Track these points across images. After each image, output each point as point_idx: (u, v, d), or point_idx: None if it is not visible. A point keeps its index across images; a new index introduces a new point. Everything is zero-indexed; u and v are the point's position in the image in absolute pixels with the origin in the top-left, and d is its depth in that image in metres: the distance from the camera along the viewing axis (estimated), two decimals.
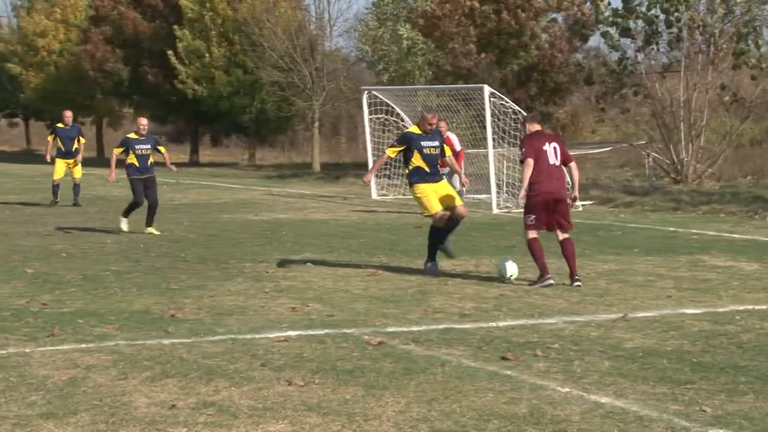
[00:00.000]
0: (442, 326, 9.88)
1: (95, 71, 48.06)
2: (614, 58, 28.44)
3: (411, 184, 13.51)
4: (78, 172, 24.35)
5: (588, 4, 29.14)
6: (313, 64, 41.87)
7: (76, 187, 24.30)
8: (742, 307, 10.72)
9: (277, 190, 30.97)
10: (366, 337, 9.34)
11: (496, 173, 24.46)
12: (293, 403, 7.22)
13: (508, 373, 8.01)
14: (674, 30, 27.38)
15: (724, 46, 27.25)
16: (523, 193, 12.60)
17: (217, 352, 8.80)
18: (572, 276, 12.35)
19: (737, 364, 8.21)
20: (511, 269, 12.81)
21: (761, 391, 7.37)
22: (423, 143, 13.33)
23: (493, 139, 24.29)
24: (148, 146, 18.42)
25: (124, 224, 18.38)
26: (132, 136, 18.49)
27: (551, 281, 12.34)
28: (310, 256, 15.11)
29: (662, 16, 27.43)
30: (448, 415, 6.89)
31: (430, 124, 13.50)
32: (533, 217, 12.67)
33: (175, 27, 44.63)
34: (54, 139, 24.71)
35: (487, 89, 24.40)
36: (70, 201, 24.08)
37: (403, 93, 30.33)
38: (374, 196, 27.54)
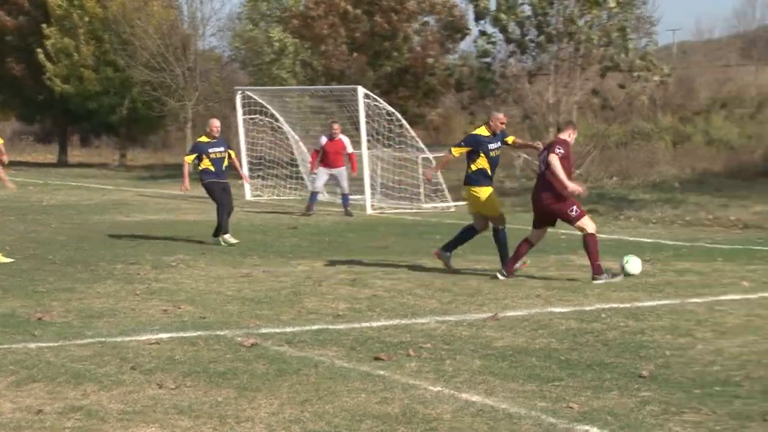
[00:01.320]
0: (315, 327, 9.89)
1: None
2: (483, 62, 28.76)
3: (471, 185, 13.47)
4: None
5: (463, 4, 29.51)
6: (186, 64, 41.44)
7: None
8: (607, 306, 10.98)
9: (149, 191, 30.57)
10: (239, 338, 9.29)
11: (370, 174, 24.57)
12: (164, 406, 7.14)
13: (381, 373, 8.06)
14: (544, 34, 27.84)
15: (593, 51, 27.84)
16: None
17: (86, 355, 8.65)
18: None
19: (603, 362, 8.40)
20: (635, 267, 12.93)
21: (626, 388, 7.56)
22: (490, 146, 13.42)
23: (368, 141, 24.40)
24: (222, 149, 17.35)
25: (230, 237, 17.06)
26: (203, 139, 17.42)
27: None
28: (182, 257, 14.95)
29: (533, 20, 27.88)
30: (321, 416, 6.91)
31: (502, 123, 13.56)
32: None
33: (44, 25, 43.69)
34: None
35: (361, 90, 24.49)
36: None
37: (277, 93, 30.24)
38: (248, 197, 27.40)
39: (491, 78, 28.23)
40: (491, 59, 28.42)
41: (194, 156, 17.30)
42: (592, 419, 6.77)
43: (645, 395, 7.35)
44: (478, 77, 28.30)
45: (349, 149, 22.80)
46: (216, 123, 17.63)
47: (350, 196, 23.16)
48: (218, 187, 17.26)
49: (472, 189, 13.50)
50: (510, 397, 7.36)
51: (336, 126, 22.85)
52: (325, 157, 22.66)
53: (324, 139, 22.72)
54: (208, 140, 17.30)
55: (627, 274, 12.86)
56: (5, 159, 18.54)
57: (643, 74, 27.30)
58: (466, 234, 13.81)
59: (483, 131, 13.56)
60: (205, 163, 17.22)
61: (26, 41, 44.83)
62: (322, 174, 22.74)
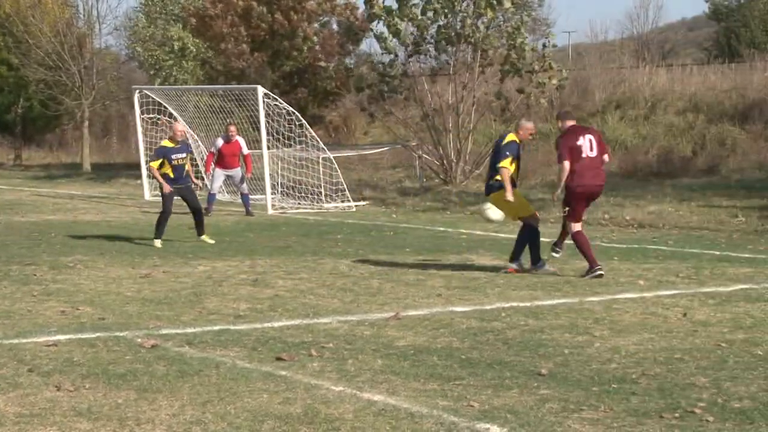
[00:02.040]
0: (216, 328, 9.84)
1: None
2: (385, 60, 28.85)
3: (501, 189, 13.32)
4: None
5: (363, 7, 29.53)
6: (82, 63, 40.84)
7: None
8: (507, 305, 11.11)
9: (45, 191, 30.05)
10: (139, 340, 9.20)
11: (271, 174, 24.50)
12: (62, 408, 7.04)
13: (283, 373, 8.05)
14: (441, 35, 28.03)
15: (491, 53, 28.11)
16: (557, 193, 13.39)
17: None
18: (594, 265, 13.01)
19: (503, 360, 8.51)
20: (495, 214, 13.49)
21: (525, 386, 7.66)
22: (520, 152, 13.50)
23: (268, 140, 24.32)
24: (184, 154, 16.94)
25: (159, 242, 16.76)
26: (167, 144, 16.99)
27: (601, 271, 12.93)
28: (80, 258, 14.74)
29: (426, 22, 28.04)
30: (223, 416, 6.87)
31: (531, 134, 13.70)
32: (568, 209, 13.18)
33: None
34: None
35: (260, 90, 24.40)
36: None
37: (176, 92, 29.96)
38: (147, 197, 27.10)
39: (390, 79, 28.31)
40: (391, 60, 28.49)
41: (159, 161, 16.80)
42: (493, 417, 6.85)
43: (544, 393, 7.45)
44: (381, 74, 28.33)
45: (245, 150, 22.85)
46: (179, 127, 17.37)
47: (251, 196, 23.16)
48: (172, 195, 16.85)
49: (503, 194, 13.34)
50: (412, 396, 7.40)
51: (232, 128, 22.89)
52: (221, 159, 22.74)
53: (220, 141, 22.78)
54: (173, 145, 16.88)
55: (489, 220, 13.70)
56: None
57: (541, 78, 27.63)
58: (533, 237, 13.61)
59: (515, 138, 13.49)
60: (166, 169, 16.79)
61: None
62: (219, 175, 22.82)
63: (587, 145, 13.12)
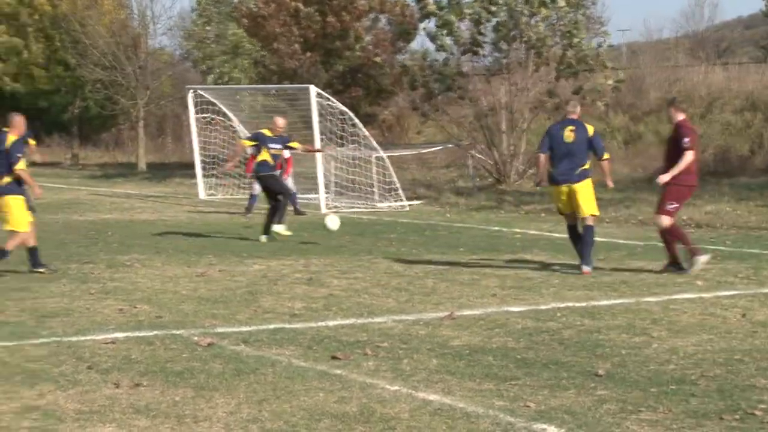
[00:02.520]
0: (272, 326, 9.87)
1: None
2: (439, 59, 28.79)
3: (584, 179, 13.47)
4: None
5: (413, 3, 29.50)
6: (137, 63, 41.19)
7: None
8: (563, 305, 11.04)
9: (102, 190, 30.35)
10: (195, 338, 9.26)
11: (324, 173, 24.54)
12: (121, 405, 7.10)
13: (338, 372, 8.06)
14: (500, 33, 27.92)
15: (545, 52, 27.97)
16: (667, 177, 13.33)
17: (42, 355, 8.58)
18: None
19: (559, 360, 8.45)
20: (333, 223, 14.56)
21: (582, 386, 7.61)
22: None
23: (321, 140, 24.36)
24: (280, 146, 17.55)
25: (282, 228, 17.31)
26: (266, 132, 17.55)
27: (706, 256, 13.15)
28: (137, 256, 14.87)
29: (491, 21, 27.94)
30: (279, 415, 6.90)
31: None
32: (677, 205, 13.38)
33: None
34: None
35: (313, 89, 24.46)
36: None
37: (229, 92, 30.13)
38: (202, 196, 27.28)
39: (446, 79, 28.24)
40: (446, 58, 28.42)
41: (253, 143, 17.42)
42: (550, 418, 6.81)
43: (602, 394, 7.40)
44: (440, 73, 28.22)
45: (286, 153, 22.72)
46: (281, 122, 17.75)
47: (305, 195, 22.95)
48: (273, 179, 17.43)
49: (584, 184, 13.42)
50: (467, 396, 7.38)
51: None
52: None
53: None
54: (271, 135, 17.41)
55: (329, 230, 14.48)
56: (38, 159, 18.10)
57: (598, 79, 27.43)
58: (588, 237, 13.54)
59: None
60: (264, 156, 17.29)
61: None
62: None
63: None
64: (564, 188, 13.43)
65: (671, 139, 13.70)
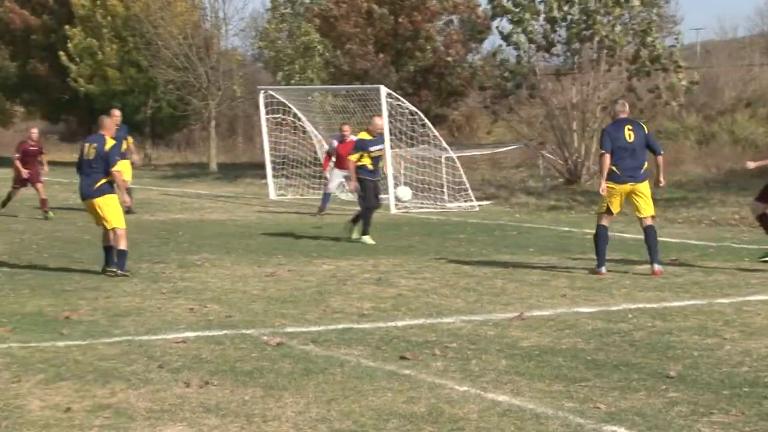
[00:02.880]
0: (340, 326, 9.90)
1: None
2: (511, 58, 28.64)
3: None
4: (128, 174, 21.79)
5: (484, 3, 29.40)
6: (209, 63, 41.55)
7: (127, 191, 22.65)
8: (634, 306, 10.93)
9: (173, 190, 30.66)
10: (265, 337, 9.31)
11: (393, 174, 24.55)
12: (191, 404, 7.16)
13: (407, 372, 8.06)
14: (573, 32, 27.71)
15: (618, 51, 27.71)
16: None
17: (113, 353, 8.69)
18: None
19: (630, 362, 8.37)
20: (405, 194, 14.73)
21: (653, 388, 7.53)
22: None
23: (391, 140, 24.37)
24: (381, 146, 17.30)
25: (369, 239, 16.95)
26: (365, 136, 17.15)
27: None
28: (207, 256, 14.99)
29: (558, 19, 27.74)
30: (348, 415, 6.91)
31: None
32: None
33: (67, 27, 43.87)
34: None
35: (383, 90, 24.48)
36: None
37: (300, 93, 30.27)
38: (272, 196, 27.45)
39: (517, 77, 28.09)
40: (518, 57, 28.26)
41: (359, 154, 17.04)
42: (620, 420, 6.75)
43: (673, 396, 7.31)
44: (512, 72, 28.06)
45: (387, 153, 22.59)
46: (379, 122, 17.58)
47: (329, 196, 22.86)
48: (371, 186, 17.10)
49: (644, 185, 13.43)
50: (537, 397, 7.34)
51: (346, 128, 22.81)
52: (338, 160, 22.47)
53: (335, 142, 22.60)
54: (370, 137, 17.12)
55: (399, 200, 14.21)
56: (137, 159, 18.16)
57: (673, 78, 27.11)
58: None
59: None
60: (365, 160, 17.00)
61: (50, 40, 45.02)
62: (337, 175, 22.59)
63: None
64: (627, 187, 13.33)
65: None
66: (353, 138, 22.58)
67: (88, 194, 13.41)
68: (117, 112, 22.34)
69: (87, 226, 19.52)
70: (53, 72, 45.22)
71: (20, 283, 12.47)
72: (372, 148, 17.02)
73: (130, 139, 22.59)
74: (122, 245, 13.24)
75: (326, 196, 22.73)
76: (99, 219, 13.50)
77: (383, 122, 17.29)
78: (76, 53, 43.75)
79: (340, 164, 22.47)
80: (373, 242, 16.80)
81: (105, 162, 13.26)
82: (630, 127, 13.40)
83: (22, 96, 49.54)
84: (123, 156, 21.78)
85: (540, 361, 8.41)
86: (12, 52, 46.69)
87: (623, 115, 13.52)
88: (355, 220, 17.35)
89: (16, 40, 46.40)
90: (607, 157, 13.27)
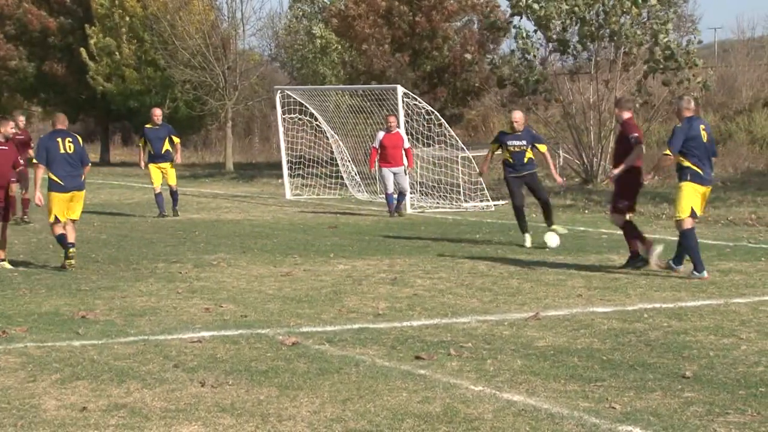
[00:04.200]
0: (356, 326, 9.90)
1: None
2: (527, 57, 28.55)
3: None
4: (173, 177, 21.69)
5: (505, 5, 29.32)
6: (226, 63, 41.62)
7: (173, 195, 21.73)
8: (649, 306, 10.91)
9: (189, 190, 30.70)
10: (280, 337, 9.33)
11: (410, 173, 24.54)
12: (206, 404, 7.18)
13: (422, 372, 8.06)
14: (585, 31, 27.64)
15: (634, 50, 27.64)
16: (617, 172, 13.68)
17: (129, 353, 8.71)
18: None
19: (645, 362, 8.35)
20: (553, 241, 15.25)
21: (669, 388, 7.51)
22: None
23: (407, 140, 24.35)
24: (524, 142, 16.36)
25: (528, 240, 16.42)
26: (507, 129, 16.63)
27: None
28: (223, 256, 15.02)
29: (574, 18, 27.68)
30: (363, 414, 6.92)
31: None
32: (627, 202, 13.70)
33: (86, 26, 44.01)
34: (144, 143, 21.77)
35: (400, 89, 24.47)
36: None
37: (317, 93, 30.30)
38: (288, 196, 27.48)
39: (536, 77, 28.01)
40: (534, 57, 28.20)
41: (498, 145, 16.52)
42: (635, 420, 6.73)
43: (689, 396, 7.29)
44: (529, 70, 27.96)
45: (407, 144, 22.37)
46: (517, 115, 16.58)
47: (393, 196, 22.43)
48: (516, 182, 16.49)
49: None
50: (552, 397, 7.33)
51: (392, 119, 22.04)
52: (383, 154, 21.74)
53: (381, 134, 21.81)
54: (511, 132, 16.46)
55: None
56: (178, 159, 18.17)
57: (687, 75, 27.01)
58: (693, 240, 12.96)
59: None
60: (505, 155, 16.44)
61: (68, 41, 45.17)
62: (387, 174, 21.91)
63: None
64: (707, 189, 12.95)
65: (618, 138, 14.16)
66: (399, 130, 22.38)
67: (79, 186, 14.24)
68: (158, 111, 22.19)
69: (102, 226, 19.61)
70: (71, 72, 45.36)
71: (37, 283, 12.51)
72: (510, 143, 16.33)
73: (177, 139, 22.04)
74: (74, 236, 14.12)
75: (389, 197, 22.12)
76: (72, 211, 14.27)
77: (520, 116, 16.71)
78: (95, 52, 43.89)
79: (385, 158, 21.85)
80: (564, 231, 16.75)
81: (81, 157, 14.28)
82: (703, 126, 12.82)
83: (40, 96, 49.68)
84: (166, 157, 21.68)
85: (555, 361, 8.40)
86: (29, 53, 46.84)
87: (690, 113, 12.85)
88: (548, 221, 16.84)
89: (34, 41, 46.55)
90: (671, 158, 12.71)
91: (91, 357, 8.55)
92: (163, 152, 21.60)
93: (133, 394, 7.44)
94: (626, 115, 13.94)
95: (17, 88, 48.80)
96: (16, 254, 15.32)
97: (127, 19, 43.84)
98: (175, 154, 21.93)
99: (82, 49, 43.64)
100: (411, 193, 24.33)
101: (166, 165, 21.64)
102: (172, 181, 21.73)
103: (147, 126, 22.08)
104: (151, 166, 21.60)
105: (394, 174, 21.88)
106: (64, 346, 9.00)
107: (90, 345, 9.01)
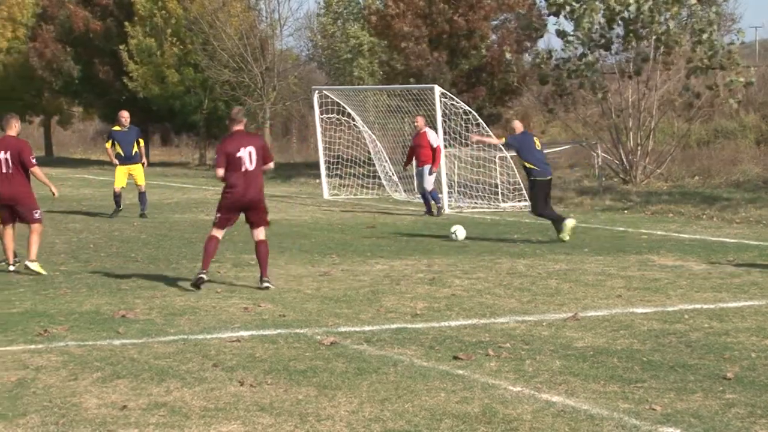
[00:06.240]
0: (394, 326, 9.90)
1: (44, 69, 47.57)
2: (566, 56, 28.40)
3: None
4: (141, 179, 21.83)
5: (543, 3, 29.17)
6: (264, 64, 41.76)
7: (141, 196, 21.99)
8: (690, 306, 10.83)
9: None
10: (318, 337, 9.34)
11: (447, 173, 24.52)
12: (245, 403, 7.20)
13: (460, 372, 8.04)
14: (630, 30, 27.46)
15: (676, 49, 27.46)
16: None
17: (169, 352, 8.76)
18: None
19: (686, 363, 8.29)
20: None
21: (710, 390, 7.45)
22: None
23: (445, 140, 24.33)
24: None
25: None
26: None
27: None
28: None
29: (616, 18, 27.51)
30: (401, 414, 6.91)
31: None
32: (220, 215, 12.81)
33: (126, 24, 44.27)
34: (112, 144, 21.87)
35: (438, 89, 24.44)
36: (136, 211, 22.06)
37: (354, 93, 30.31)
38: (326, 195, 27.52)
39: (572, 73, 27.85)
40: (582, 54, 28.03)
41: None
42: (676, 421, 6.69)
43: (730, 398, 7.23)
44: (573, 68, 27.80)
45: (434, 143, 22.51)
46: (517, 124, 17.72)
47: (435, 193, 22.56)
48: (541, 185, 16.95)
49: None
50: (591, 398, 7.29)
51: (418, 118, 22.83)
52: (410, 152, 22.78)
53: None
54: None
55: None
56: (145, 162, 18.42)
57: (731, 77, 26.80)
58: None
59: None
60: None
61: (111, 44, 45.48)
62: (421, 174, 22.31)
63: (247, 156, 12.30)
64: None
65: None
66: (426, 130, 22.55)
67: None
68: (126, 114, 22.39)
69: (142, 226, 19.72)
70: (114, 73, 45.65)
71: (77, 282, 12.60)
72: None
73: (141, 142, 22.32)
74: None
75: (433, 194, 22.29)
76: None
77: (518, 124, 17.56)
78: (136, 53, 44.14)
79: (417, 157, 22.41)
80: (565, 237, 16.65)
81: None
82: None
83: (83, 97, 50.10)
84: (135, 159, 21.78)
85: (595, 362, 8.35)
86: (75, 54, 47.23)
87: None
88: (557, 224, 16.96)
89: (78, 42, 46.92)
90: None
91: (131, 356, 8.60)
92: (132, 154, 21.84)
93: (172, 392, 7.48)
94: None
95: (62, 90, 49.22)
96: (56, 253, 15.44)
97: (171, 20, 44.04)
98: (141, 157, 22.09)
99: (122, 46, 43.83)
100: (449, 194, 24.29)
101: (135, 167, 21.86)
102: (141, 181, 21.92)
103: (115, 128, 22.29)
104: (119, 167, 21.76)
105: (417, 173, 22.50)
106: (105, 345, 9.05)
107: (130, 344, 9.06)
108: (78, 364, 8.31)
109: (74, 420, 6.83)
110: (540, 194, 16.87)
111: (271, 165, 12.90)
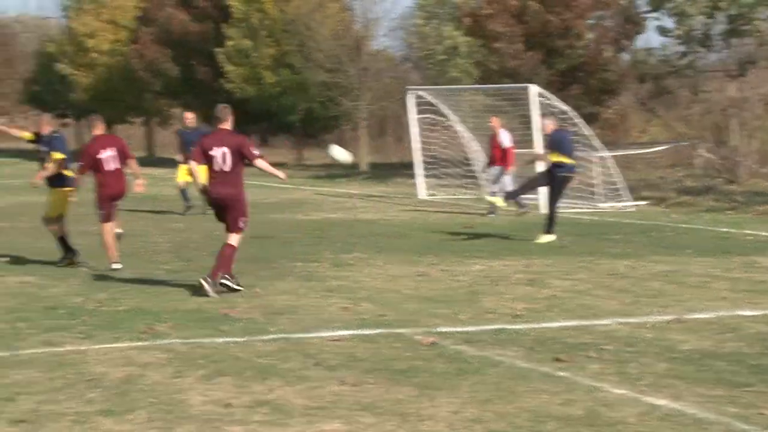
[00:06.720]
0: (494, 327, 9.85)
1: (145, 71, 48.41)
2: (669, 53, 27.99)
3: None
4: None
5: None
6: (359, 64, 41.90)
7: (183, 192, 22.59)
8: None
9: (325, 190, 31.03)
10: (418, 337, 9.33)
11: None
12: (347, 402, 7.22)
13: (562, 374, 7.97)
14: (733, 27, 26.99)
15: None
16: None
17: (271, 351, 8.82)
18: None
19: None
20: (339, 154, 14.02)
21: None
22: None
23: (509, 139, 24.06)
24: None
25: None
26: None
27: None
28: (360, 255, 15.10)
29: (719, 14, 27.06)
30: (503, 416, 6.87)
31: None
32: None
33: (224, 25, 44.79)
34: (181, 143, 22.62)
35: (533, 88, 24.27)
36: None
37: (449, 92, 30.23)
38: (422, 195, 27.51)
39: (675, 71, 27.46)
40: (683, 52, 27.63)
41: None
42: None
43: None
44: (674, 66, 27.40)
45: (504, 144, 22.50)
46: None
47: (523, 196, 22.36)
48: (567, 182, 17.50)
49: None
50: (698, 401, 7.16)
51: (492, 119, 22.91)
52: (494, 154, 22.88)
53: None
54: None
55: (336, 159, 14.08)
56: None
57: None
58: None
59: None
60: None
61: (208, 46, 46.08)
62: (499, 172, 22.43)
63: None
64: None
65: None
66: (500, 131, 22.49)
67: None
68: (189, 115, 23.27)
69: None
70: (211, 74, 46.24)
71: (181, 280, 12.76)
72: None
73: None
74: None
75: (512, 195, 22.29)
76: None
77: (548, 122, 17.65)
78: (233, 54, 44.64)
79: (493, 159, 22.50)
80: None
81: None
82: None
83: (182, 98, 50.85)
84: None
85: (701, 365, 8.21)
86: (174, 56, 47.98)
87: None
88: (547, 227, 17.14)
89: (177, 44, 47.65)
90: None
91: (234, 354, 8.69)
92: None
93: (275, 391, 7.53)
94: None
95: (162, 91, 50.05)
96: (160, 252, 15.68)
97: (267, 21, 44.44)
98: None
99: (219, 49, 44.36)
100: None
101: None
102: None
103: (183, 128, 23.22)
104: (182, 165, 21.76)
105: (494, 174, 22.77)
106: (208, 342, 9.16)
107: (233, 342, 9.16)
108: (183, 362, 8.42)
109: (180, 417, 6.92)
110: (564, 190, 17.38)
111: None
